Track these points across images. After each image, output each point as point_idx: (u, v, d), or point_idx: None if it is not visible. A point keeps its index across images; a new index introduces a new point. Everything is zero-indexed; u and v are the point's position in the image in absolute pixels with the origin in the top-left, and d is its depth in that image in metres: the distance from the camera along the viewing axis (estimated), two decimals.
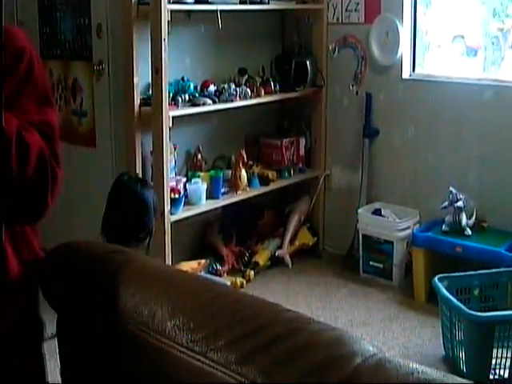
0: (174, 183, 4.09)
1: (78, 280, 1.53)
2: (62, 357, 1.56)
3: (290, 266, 4.80)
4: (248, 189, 4.58)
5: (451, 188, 4.21)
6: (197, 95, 4.27)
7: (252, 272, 4.59)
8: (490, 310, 3.61)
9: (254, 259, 4.70)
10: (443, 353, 3.62)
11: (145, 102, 4.05)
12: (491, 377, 3.27)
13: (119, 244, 3.20)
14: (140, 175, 4.09)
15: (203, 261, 4.28)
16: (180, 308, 1.30)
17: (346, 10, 4.81)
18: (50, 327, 1.62)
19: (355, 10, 4.76)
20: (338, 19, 4.86)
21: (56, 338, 1.59)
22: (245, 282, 4.44)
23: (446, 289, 3.51)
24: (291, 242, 4.92)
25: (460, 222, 4.19)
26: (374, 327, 3.98)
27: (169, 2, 3.85)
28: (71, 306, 1.53)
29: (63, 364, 1.57)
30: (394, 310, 4.20)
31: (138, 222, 3.18)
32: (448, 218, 4.24)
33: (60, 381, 1.62)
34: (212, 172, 4.48)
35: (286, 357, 1.12)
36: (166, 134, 3.91)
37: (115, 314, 1.38)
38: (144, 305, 1.36)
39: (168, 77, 3.92)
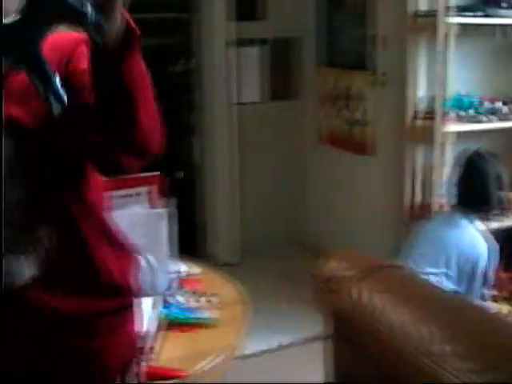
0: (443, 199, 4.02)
1: None
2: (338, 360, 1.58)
3: None
4: None
5: None
6: (478, 111, 4.15)
7: None
8: None
9: None
10: None
11: (425, 115, 4.04)
12: None
13: (468, 211, 3.36)
14: (411, 188, 4.10)
15: None
16: (455, 334, 1.26)
17: None
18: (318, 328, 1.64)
19: None
20: None
21: (329, 341, 1.61)
22: None
23: None
24: None
25: None
26: None
27: (455, 15, 3.80)
28: None
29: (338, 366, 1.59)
30: None
31: (480, 194, 3.41)
32: None
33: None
34: None
35: None
36: (442, 148, 3.86)
37: None
38: (412, 325, 1.34)
39: (449, 91, 3.85)
